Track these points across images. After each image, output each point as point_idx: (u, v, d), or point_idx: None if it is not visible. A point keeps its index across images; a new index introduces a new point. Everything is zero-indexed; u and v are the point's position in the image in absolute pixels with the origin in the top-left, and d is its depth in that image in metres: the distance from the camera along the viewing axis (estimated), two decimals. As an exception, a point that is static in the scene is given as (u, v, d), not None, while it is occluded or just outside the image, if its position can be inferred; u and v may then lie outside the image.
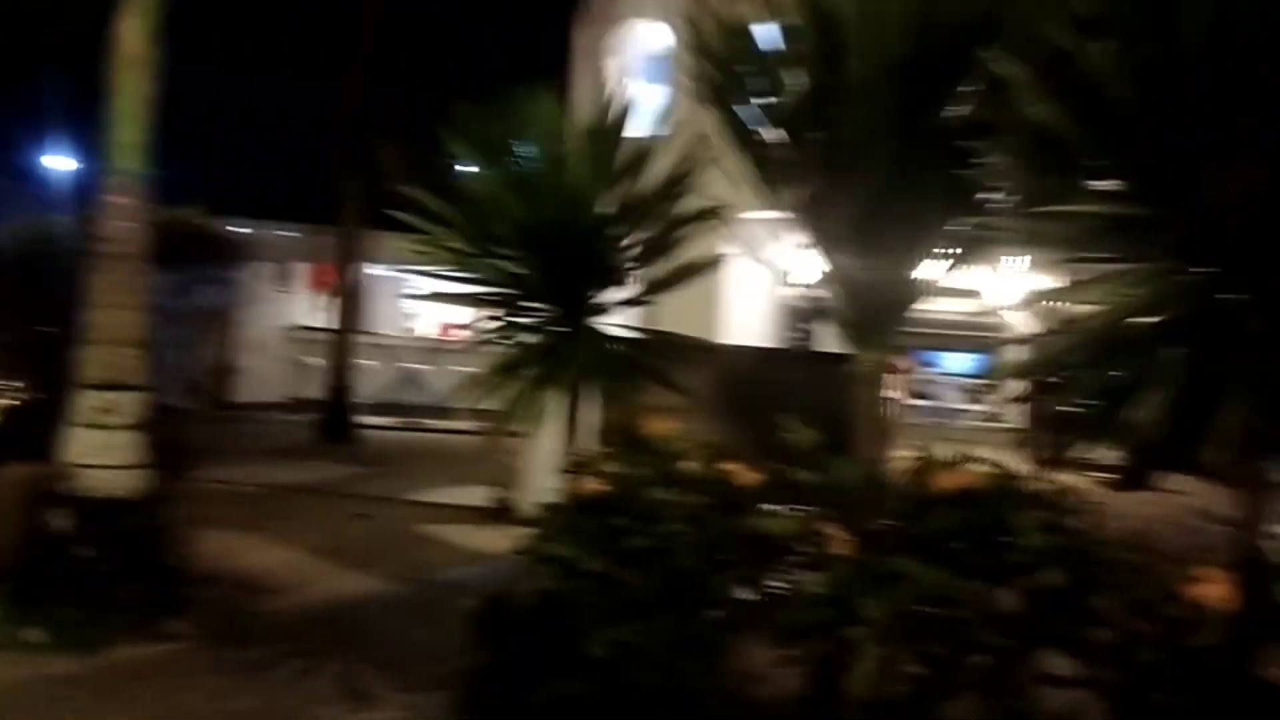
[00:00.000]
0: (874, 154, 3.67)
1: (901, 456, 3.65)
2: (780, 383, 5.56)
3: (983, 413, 20.55)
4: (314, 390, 15.56)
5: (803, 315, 10.47)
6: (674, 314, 5.43)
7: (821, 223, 3.94)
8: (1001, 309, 10.94)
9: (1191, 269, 3.02)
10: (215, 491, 9.05)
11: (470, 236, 4.43)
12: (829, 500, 3.61)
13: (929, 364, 24.84)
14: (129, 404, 5.79)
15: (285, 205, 16.80)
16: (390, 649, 5.45)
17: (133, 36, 5.85)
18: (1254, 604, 2.84)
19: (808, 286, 4.34)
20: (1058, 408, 3.45)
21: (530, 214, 4.34)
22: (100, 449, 5.67)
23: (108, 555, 5.46)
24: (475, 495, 9.37)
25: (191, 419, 11.55)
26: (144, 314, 5.91)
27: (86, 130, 6.19)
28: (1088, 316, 3.23)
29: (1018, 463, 3.43)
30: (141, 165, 5.87)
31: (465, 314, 4.83)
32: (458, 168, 4.97)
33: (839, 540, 3.45)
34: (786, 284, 5.56)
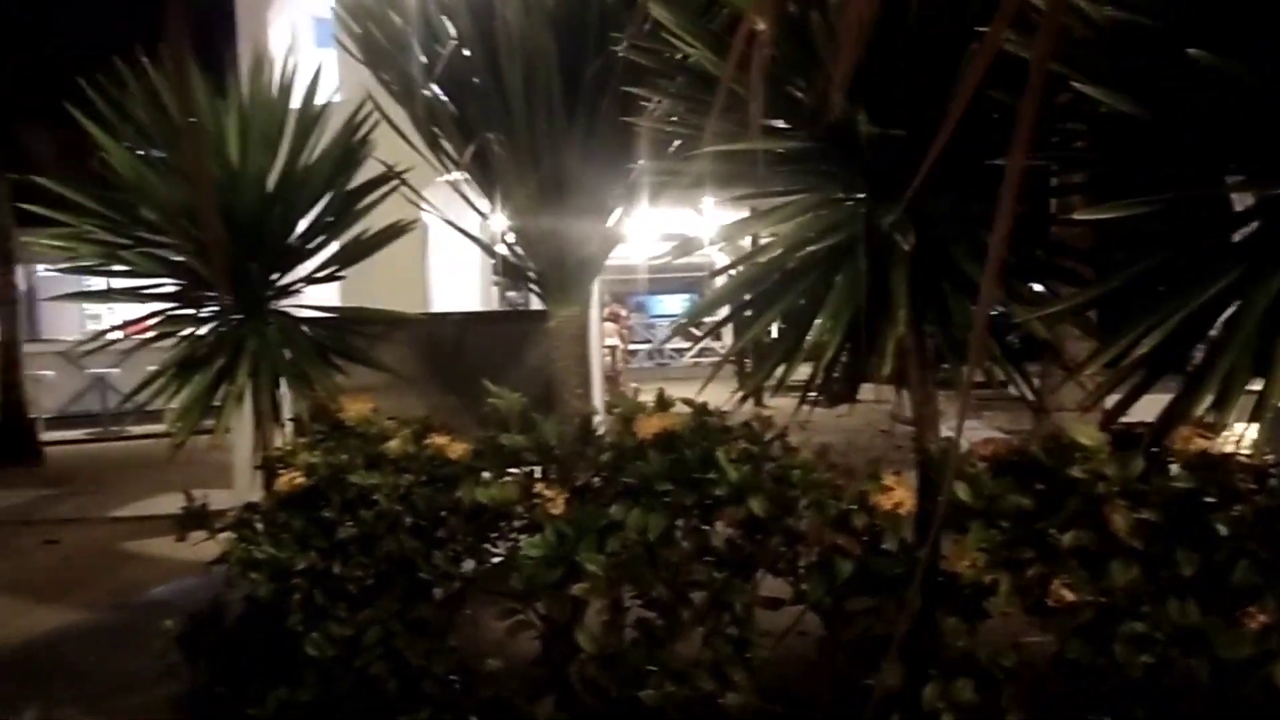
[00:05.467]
0: (538, 106, 3.60)
1: (616, 405, 3.65)
2: (485, 348, 5.46)
3: (698, 350, 21.46)
4: (-16, 410, 13.94)
5: (509, 276, 10.38)
6: (378, 288, 5.20)
7: (497, 180, 3.84)
8: (704, 248, 11.32)
9: (851, 196, 3.19)
10: None
11: (115, 226, 4.00)
12: (539, 460, 3.57)
13: (645, 309, 25.62)
14: None
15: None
16: (94, 684, 4.96)
17: None
18: (932, 501, 3.05)
19: (502, 246, 4.25)
20: (749, 337, 3.56)
21: (181, 196, 3.97)
22: None
23: None
24: (180, 503, 8.70)
25: None
26: None
27: None
28: (766, 248, 3.34)
29: (727, 396, 3.51)
30: None
31: (145, 311, 4.41)
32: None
33: (554, 499, 3.42)
34: (485, 246, 5.41)
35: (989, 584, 2.77)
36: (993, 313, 3.09)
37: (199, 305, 4.37)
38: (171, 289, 4.37)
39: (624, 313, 19.44)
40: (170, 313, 4.21)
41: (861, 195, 3.15)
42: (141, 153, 4.14)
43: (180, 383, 4.18)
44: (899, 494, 2.97)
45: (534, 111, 3.61)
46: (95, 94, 4.03)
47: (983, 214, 3.09)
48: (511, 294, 16.00)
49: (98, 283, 4.51)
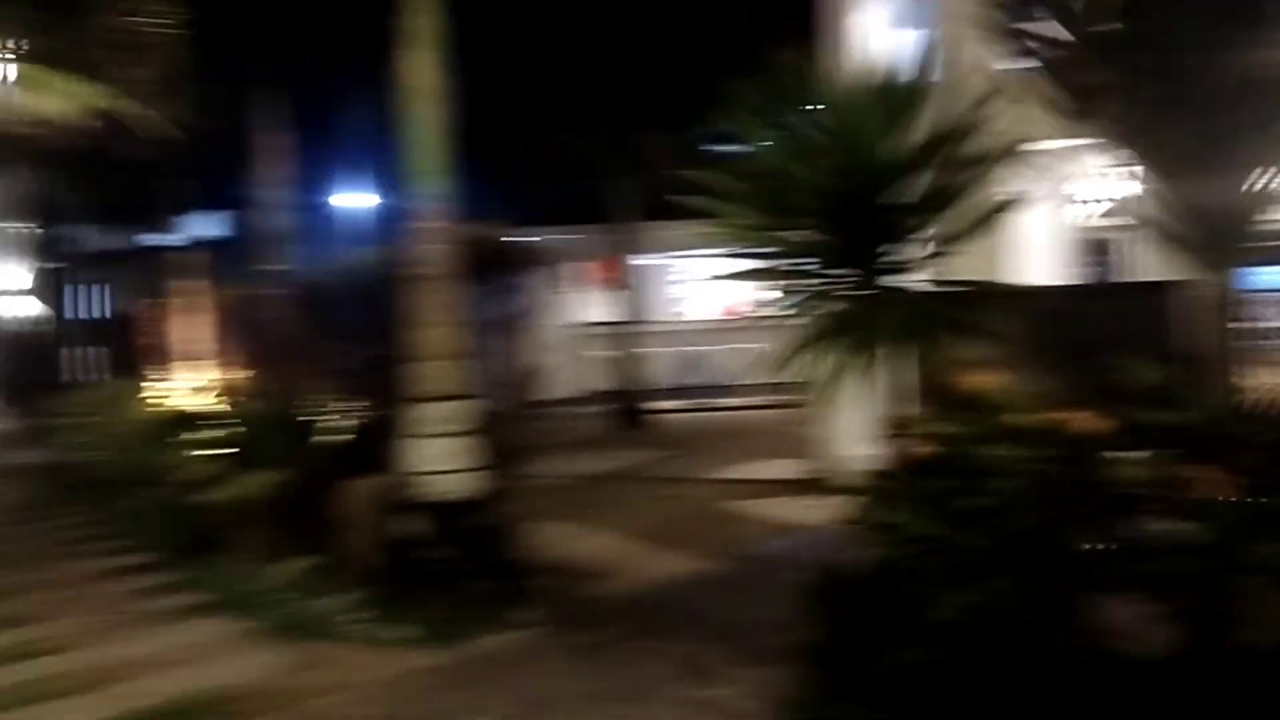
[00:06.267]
0: (1208, 64, 3.31)
1: (1254, 385, 3.31)
2: (1100, 320, 5.18)
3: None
4: (603, 382, 16.12)
5: (1103, 247, 9.73)
6: (969, 261, 5.17)
7: (1147, 143, 3.62)
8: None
9: None
10: (536, 486, 9.52)
11: (763, 210, 4.41)
12: (1185, 440, 3.33)
13: (1247, 282, 22.50)
14: (464, 412, 6.25)
15: (559, 210, 17.49)
16: (722, 625, 5.53)
17: (420, 69, 6.24)
18: None
19: (1119, 214, 4.01)
20: None
21: (818, 180, 4.26)
22: (442, 456, 6.15)
23: (459, 554, 5.90)
24: (776, 469, 9.40)
25: (510, 420, 12.29)
26: (462, 328, 6.33)
27: (386, 163, 6.64)
28: None
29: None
30: (443, 189, 6.27)
31: (742, 292, 4.84)
32: (713, 148, 4.95)
33: (1203, 482, 3.18)
34: (1088, 214, 5.14)
35: None
36: None
37: (819, 282, 4.65)
38: (795, 267, 4.69)
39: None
40: (805, 288, 4.54)
41: None
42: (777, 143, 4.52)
43: (803, 357, 4.49)
44: None
45: (1201, 72, 3.34)
46: (738, 95, 4.47)
47: None
48: (1087, 268, 14.98)
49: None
